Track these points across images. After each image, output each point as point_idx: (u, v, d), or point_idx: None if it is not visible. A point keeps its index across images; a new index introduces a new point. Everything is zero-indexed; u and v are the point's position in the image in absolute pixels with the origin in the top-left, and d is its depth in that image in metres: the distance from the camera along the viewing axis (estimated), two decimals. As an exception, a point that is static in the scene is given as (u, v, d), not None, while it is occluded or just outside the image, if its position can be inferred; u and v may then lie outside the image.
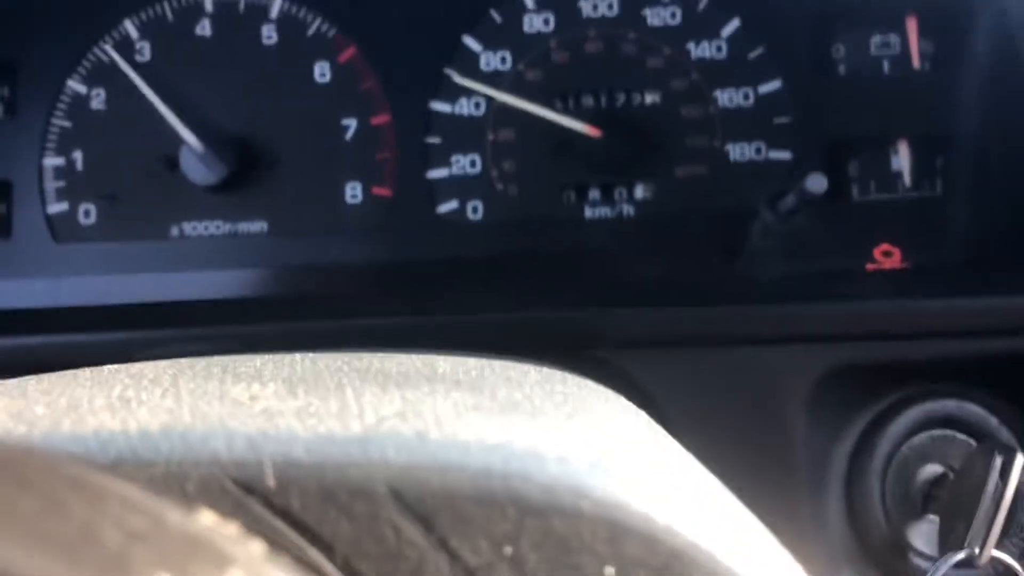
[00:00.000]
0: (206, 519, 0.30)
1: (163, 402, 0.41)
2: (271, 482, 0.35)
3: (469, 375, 0.50)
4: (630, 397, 0.64)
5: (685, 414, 0.80)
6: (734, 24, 1.00)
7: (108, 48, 1.06)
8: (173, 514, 0.28)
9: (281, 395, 0.42)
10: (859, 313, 0.83)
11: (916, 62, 0.99)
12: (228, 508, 0.34)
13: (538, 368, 0.59)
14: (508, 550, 0.34)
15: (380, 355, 0.57)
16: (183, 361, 0.56)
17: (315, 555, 0.34)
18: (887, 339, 0.82)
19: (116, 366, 0.57)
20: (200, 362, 0.55)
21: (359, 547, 0.34)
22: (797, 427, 0.80)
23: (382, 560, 0.34)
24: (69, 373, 0.54)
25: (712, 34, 1.01)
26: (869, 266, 0.96)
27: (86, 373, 0.53)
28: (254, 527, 0.34)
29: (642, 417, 0.52)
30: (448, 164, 1.02)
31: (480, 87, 1.01)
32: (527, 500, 0.34)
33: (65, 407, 0.41)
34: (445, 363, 0.54)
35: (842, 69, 1.00)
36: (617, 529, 0.34)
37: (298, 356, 0.56)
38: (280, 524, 0.34)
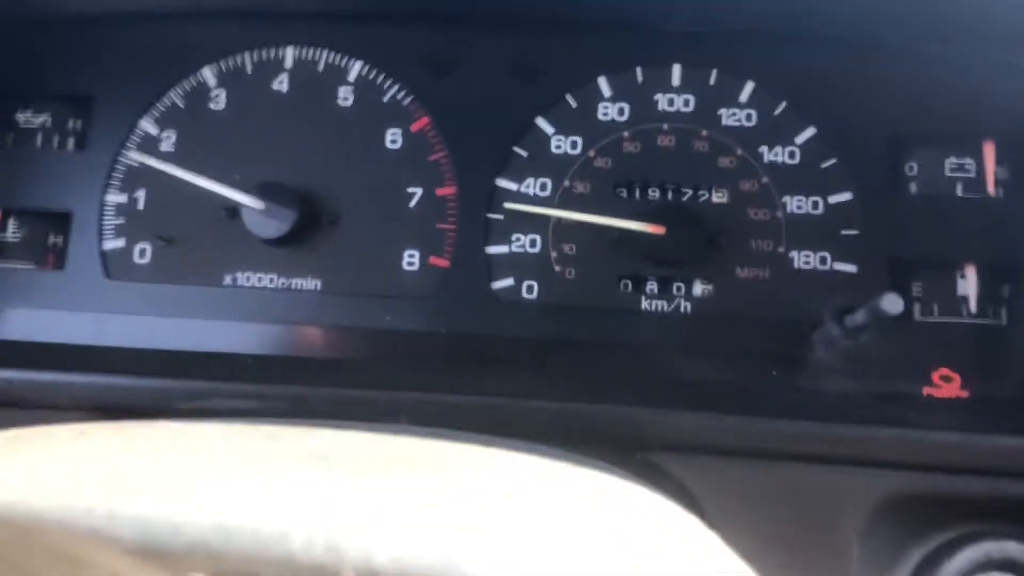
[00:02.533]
0: None
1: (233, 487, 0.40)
2: None
3: None
4: (679, 499, 0.61)
5: (734, 525, 0.77)
6: (809, 132, 1.00)
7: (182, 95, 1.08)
8: None
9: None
10: (919, 442, 0.80)
11: (991, 187, 0.98)
12: None
13: None
14: None
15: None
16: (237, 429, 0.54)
17: None
18: (947, 471, 0.79)
19: (173, 428, 0.56)
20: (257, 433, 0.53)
21: None
22: (849, 555, 0.77)
23: None
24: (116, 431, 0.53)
25: (786, 140, 1.00)
26: (927, 389, 0.93)
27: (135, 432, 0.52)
28: None
29: None
30: (508, 241, 1.01)
31: (533, 209, 1.00)
32: None
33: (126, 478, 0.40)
34: None
35: (914, 187, 0.99)
36: None
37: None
38: None
